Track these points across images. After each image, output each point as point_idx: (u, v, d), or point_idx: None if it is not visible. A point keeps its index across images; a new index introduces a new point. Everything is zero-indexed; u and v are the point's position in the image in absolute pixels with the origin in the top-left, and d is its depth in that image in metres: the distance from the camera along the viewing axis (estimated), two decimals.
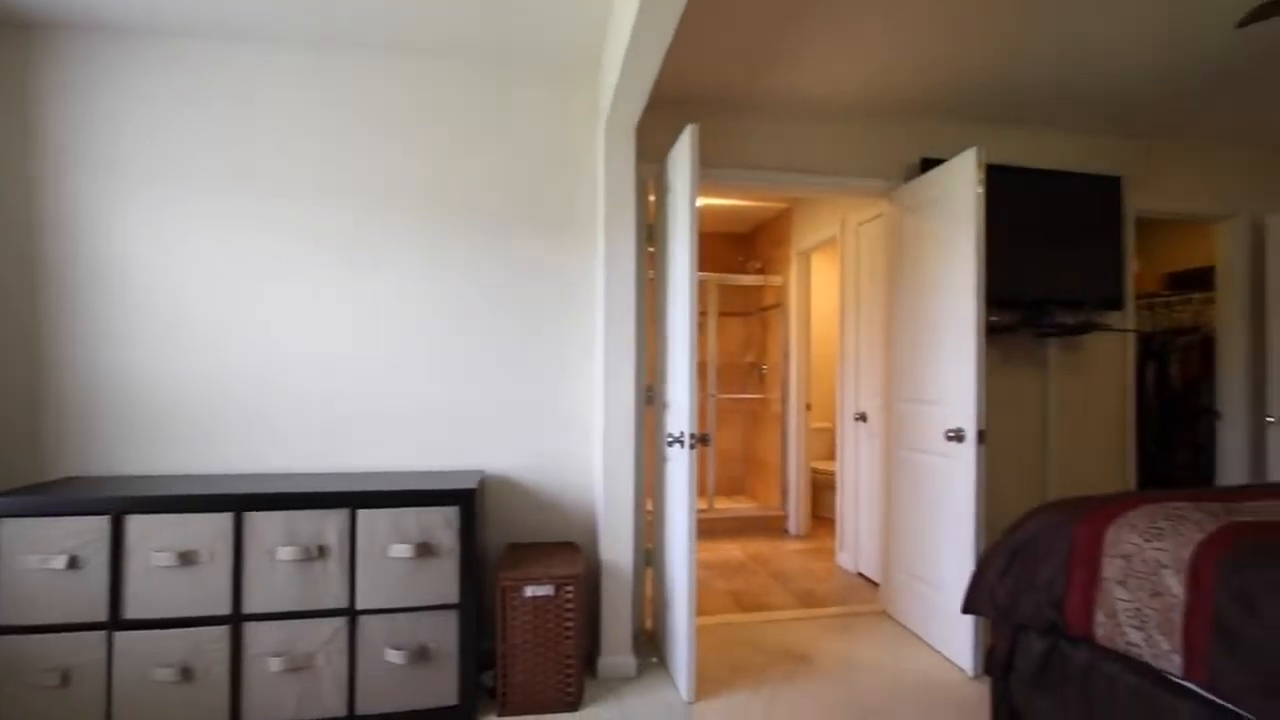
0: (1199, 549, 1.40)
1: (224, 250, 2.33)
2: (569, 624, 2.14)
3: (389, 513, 2.00)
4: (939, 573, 2.55)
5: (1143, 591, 1.48)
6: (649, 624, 2.83)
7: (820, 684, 2.33)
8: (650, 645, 2.68)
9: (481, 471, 2.42)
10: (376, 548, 1.99)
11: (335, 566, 1.97)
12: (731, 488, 5.53)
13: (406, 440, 2.43)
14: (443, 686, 2.03)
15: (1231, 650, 1.29)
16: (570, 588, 2.14)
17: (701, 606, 3.11)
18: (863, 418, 3.53)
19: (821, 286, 4.70)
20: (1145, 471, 4.09)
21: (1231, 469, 3.43)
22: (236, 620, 1.93)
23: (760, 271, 5.10)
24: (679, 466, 2.24)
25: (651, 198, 2.80)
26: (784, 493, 4.62)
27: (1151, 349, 4.08)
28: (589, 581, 2.47)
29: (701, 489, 5.10)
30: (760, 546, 4.25)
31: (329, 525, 1.97)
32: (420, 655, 2.00)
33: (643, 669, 2.45)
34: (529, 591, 2.12)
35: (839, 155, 3.02)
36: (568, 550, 2.39)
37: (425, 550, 2.01)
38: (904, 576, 2.85)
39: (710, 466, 4.70)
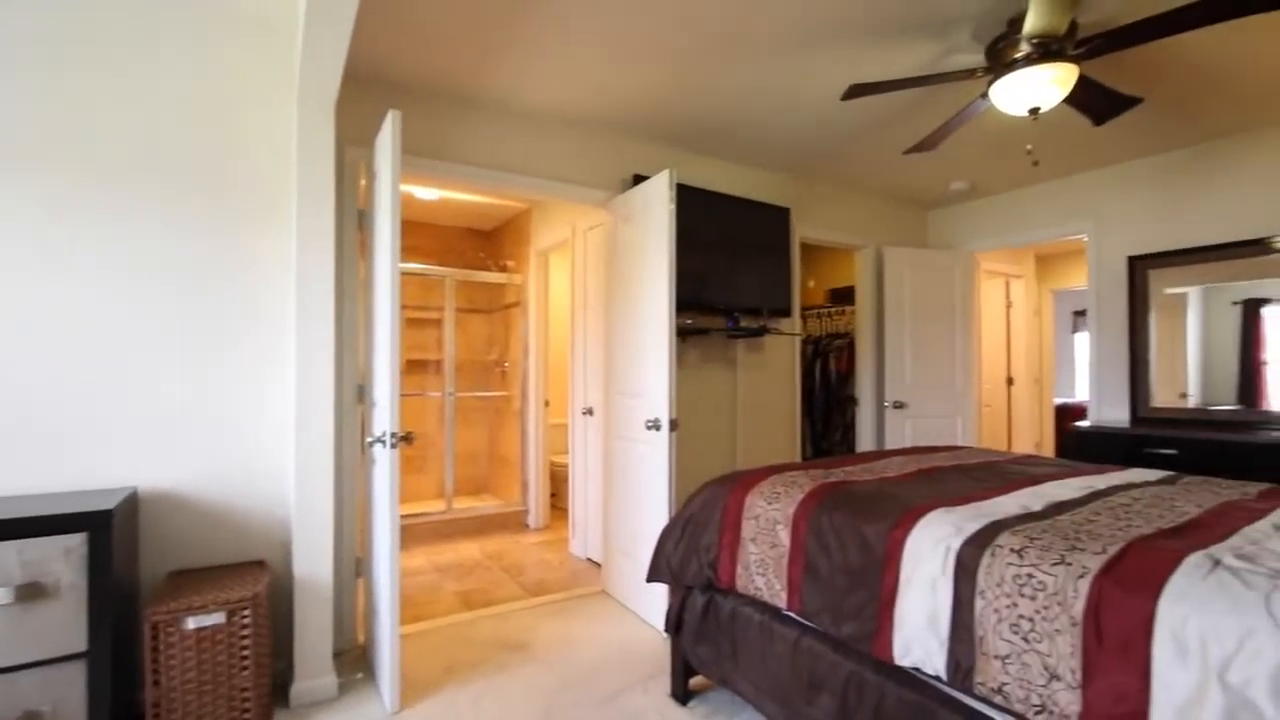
0: (799, 506, 1.78)
1: None
2: (245, 653, 1.90)
3: None
4: (642, 548, 2.84)
5: (765, 545, 1.83)
6: (362, 638, 2.66)
7: (534, 667, 2.42)
8: (363, 660, 2.52)
9: (132, 488, 2.02)
10: None
11: None
12: (476, 486, 5.46)
13: (16, 455, 1.91)
14: None
15: (814, 582, 1.66)
16: (247, 612, 1.90)
17: (426, 610, 3.02)
18: (590, 412, 3.76)
19: (560, 286, 4.88)
20: (815, 447, 5.06)
21: (865, 442, 4.42)
22: None
23: (504, 269, 5.12)
24: (382, 468, 2.14)
25: (365, 183, 2.63)
26: (525, 488, 4.71)
27: (819, 350, 5.06)
28: (279, 601, 2.23)
29: (440, 489, 4.95)
30: (499, 543, 4.27)
31: None
32: None
33: (347, 688, 2.29)
34: (192, 623, 1.83)
35: (564, 162, 3.17)
36: (251, 570, 2.13)
37: (33, 592, 1.62)
38: (619, 556, 3.11)
39: (448, 465, 4.58)
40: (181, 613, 1.82)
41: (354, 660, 2.52)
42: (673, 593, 2.19)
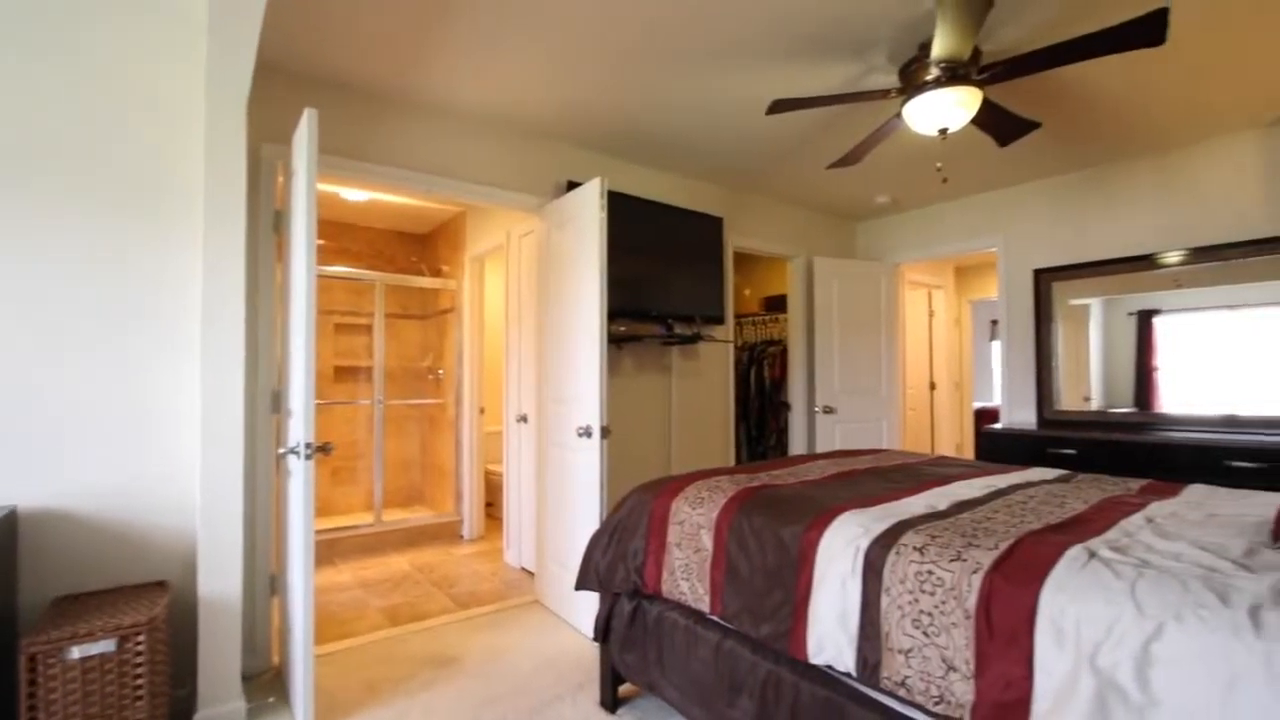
0: (721, 511, 1.81)
1: None
2: (140, 683, 1.77)
3: None
4: (574, 556, 2.81)
5: (690, 549, 1.85)
6: (277, 659, 2.53)
7: (462, 682, 2.36)
8: (277, 683, 2.40)
9: (10, 507, 1.86)
10: None
11: None
12: (408, 497, 5.30)
13: None
14: None
15: (734, 584, 1.69)
16: (142, 638, 1.77)
17: (350, 627, 2.90)
18: (524, 419, 3.72)
19: (496, 292, 4.81)
20: (751, 451, 5.16)
21: (797, 446, 4.54)
22: None
23: (438, 274, 5.01)
24: (297, 480, 2.05)
25: (283, 181, 2.52)
26: (459, 498, 4.60)
27: (754, 356, 5.17)
28: (183, 624, 2.09)
29: (369, 501, 4.77)
30: (431, 555, 4.15)
31: None
32: None
33: (257, 712, 2.17)
34: (76, 652, 1.69)
35: (496, 167, 3.13)
36: (150, 592, 1.99)
37: None
38: (552, 564, 3.08)
39: (377, 476, 4.43)
40: (65, 642, 1.68)
41: (268, 683, 2.40)
42: (601, 600, 2.19)
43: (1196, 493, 1.92)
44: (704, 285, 3.77)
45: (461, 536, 4.55)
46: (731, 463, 4.08)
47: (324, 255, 4.84)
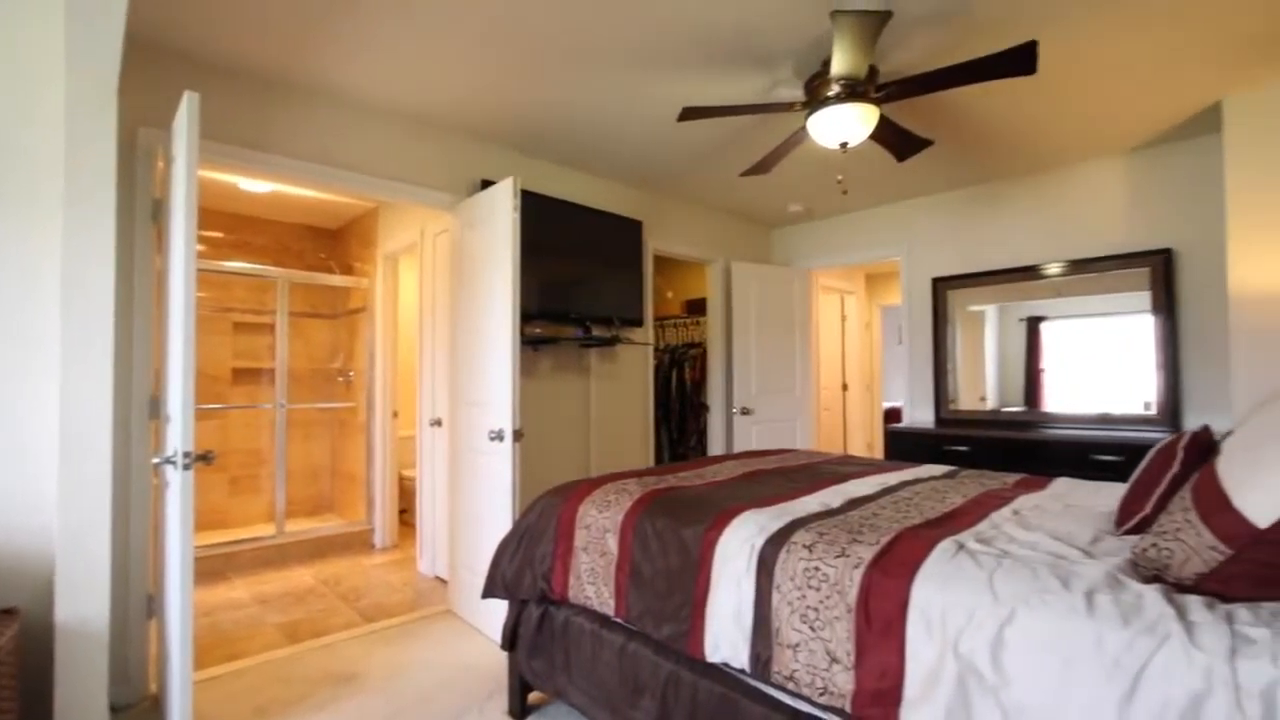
0: (626, 514, 1.81)
1: None
2: None
3: None
4: (486, 562, 2.75)
5: (596, 553, 1.85)
6: (155, 687, 2.34)
7: (363, 699, 2.26)
8: (155, 712, 2.21)
9: None
10: None
11: None
12: (317, 506, 5.03)
13: None
14: None
15: (638, 587, 1.70)
16: None
17: (243, 647, 2.72)
18: (439, 423, 3.61)
19: (410, 291, 4.64)
20: (673, 453, 5.22)
21: (716, 446, 4.64)
22: None
23: (350, 272, 4.78)
24: (174, 492, 1.90)
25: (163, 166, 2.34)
26: (371, 505, 4.41)
27: (675, 358, 5.23)
28: (37, 654, 1.89)
29: (269, 511, 4.50)
30: (339, 566, 3.96)
31: None
32: None
33: None
34: None
35: (407, 162, 3.03)
36: None
37: None
38: (464, 572, 3.00)
39: (279, 484, 4.17)
40: None
41: (144, 713, 2.21)
42: (509, 608, 2.15)
43: (1061, 485, 2.09)
44: (623, 288, 3.79)
45: (373, 546, 4.36)
46: (651, 464, 4.11)
47: (222, 250, 4.52)
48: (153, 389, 2.35)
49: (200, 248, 4.20)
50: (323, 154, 2.78)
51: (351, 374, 4.79)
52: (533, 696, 2.19)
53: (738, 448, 4.52)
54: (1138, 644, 0.97)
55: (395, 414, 4.32)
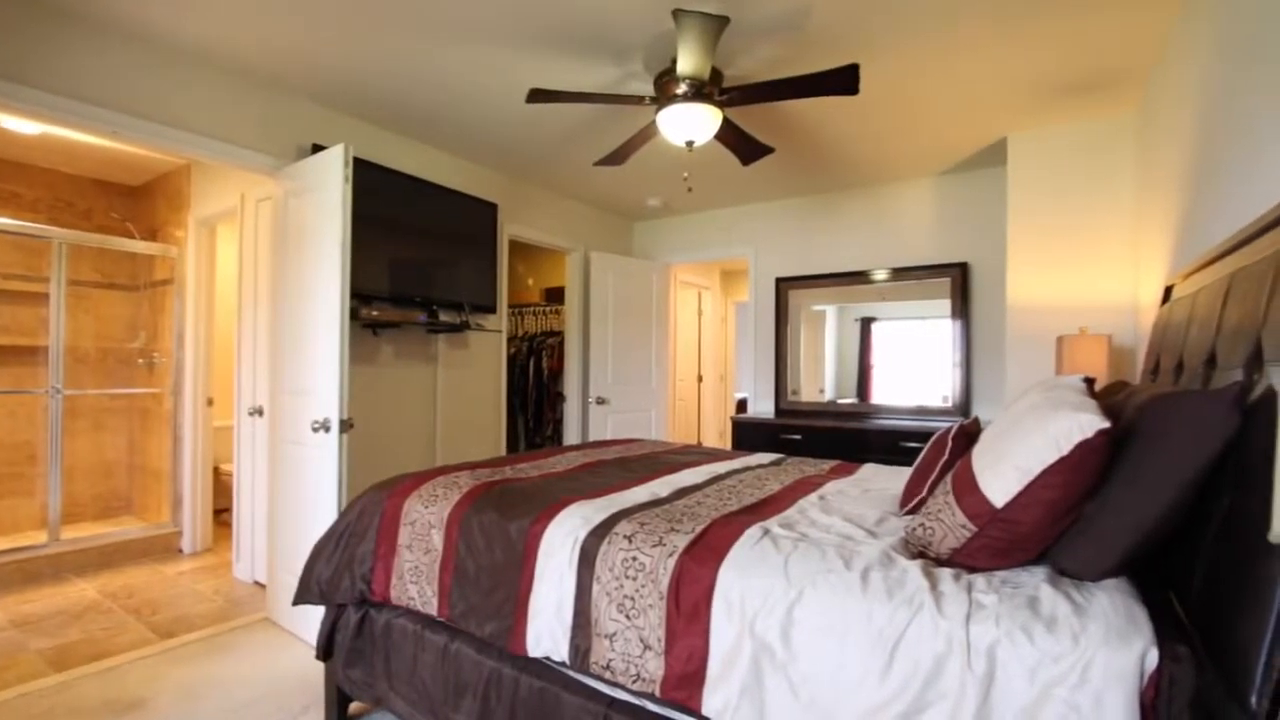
0: (454, 508, 1.74)
1: None
2: None
3: None
4: None
5: (420, 551, 1.75)
6: None
7: None
8: None
9: None
10: None
11: None
12: (111, 507, 4.34)
13: None
14: None
15: (462, 585, 1.64)
16: None
17: None
18: (259, 412, 3.25)
19: (229, 263, 4.13)
20: (529, 442, 5.14)
21: (572, 436, 4.63)
22: None
23: (154, 237, 4.15)
24: None
25: None
26: (178, 504, 3.89)
27: (534, 347, 5.15)
28: None
29: (41, 517, 3.82)
30: (134, 576, 3.44)
31: None
32: None
33: None
34: None
35: (222, 117, 2.66)
36: None
37: None
38: (284, 575, 2.73)
39: (54, 484, 3.54)
40: None
41: None
42: (325, 614, 1.98)
43: (867, 470, 2.32)
44: (475, 273, 3.64)
45: (181, 551, 3.86)
46: (503, 452, 4.01)
47: None
48: None
49: None
50: (114, 98, 2.36)
51: (156, 356, 4.17)
52: (353, 707, 2.05)
53: (593, 437, 4.54)
54: (897, 615, 1.09)
55: (210, 401, 3.83)
